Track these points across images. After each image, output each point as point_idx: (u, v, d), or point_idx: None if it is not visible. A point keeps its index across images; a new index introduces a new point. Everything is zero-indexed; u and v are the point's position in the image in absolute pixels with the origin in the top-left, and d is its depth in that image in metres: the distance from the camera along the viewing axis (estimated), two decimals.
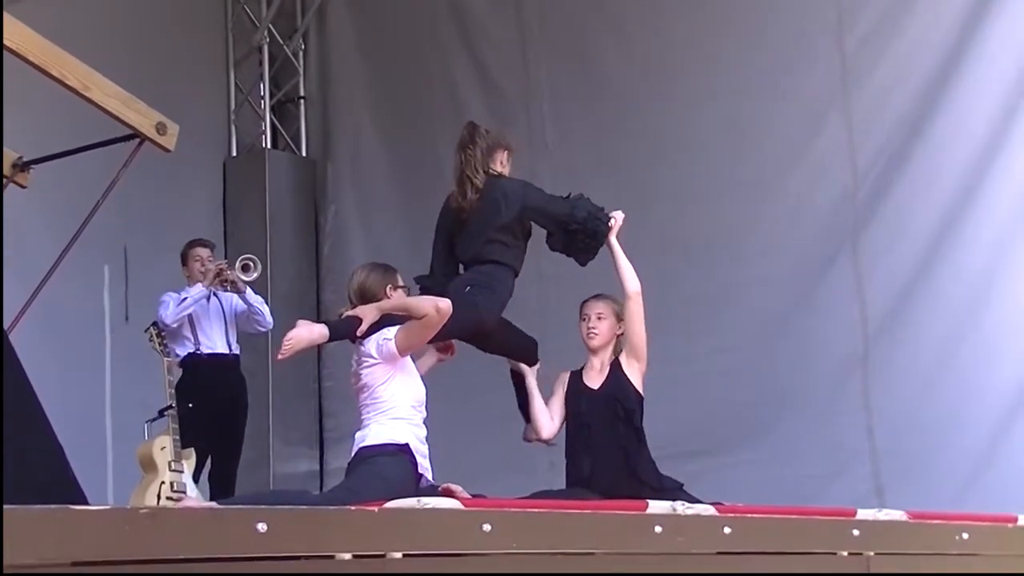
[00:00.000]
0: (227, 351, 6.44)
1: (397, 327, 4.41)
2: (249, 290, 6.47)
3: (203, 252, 6.53)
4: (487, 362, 5.27)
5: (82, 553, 2.49)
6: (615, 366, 4.97)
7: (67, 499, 3.95)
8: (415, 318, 4.36)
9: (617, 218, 5.10)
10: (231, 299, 6.51)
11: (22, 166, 6.07)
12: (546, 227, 5.11)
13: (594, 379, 4.97)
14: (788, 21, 7.37)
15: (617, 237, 5.10)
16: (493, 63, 8.46)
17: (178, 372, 6.33)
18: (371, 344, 4.41)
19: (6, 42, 4.59)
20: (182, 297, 6.31)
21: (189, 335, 6.32)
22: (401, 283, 4.62)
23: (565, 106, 8.12)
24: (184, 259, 6.56)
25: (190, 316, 6.34)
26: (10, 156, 6.07)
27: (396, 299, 4.50)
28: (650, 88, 7.78)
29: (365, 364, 4.43)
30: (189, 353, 6.32)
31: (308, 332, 4.39)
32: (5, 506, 2.39)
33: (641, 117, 7.78)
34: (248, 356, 7.91)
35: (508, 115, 8.33)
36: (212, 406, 6.28)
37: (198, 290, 6.34)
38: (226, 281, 6.39)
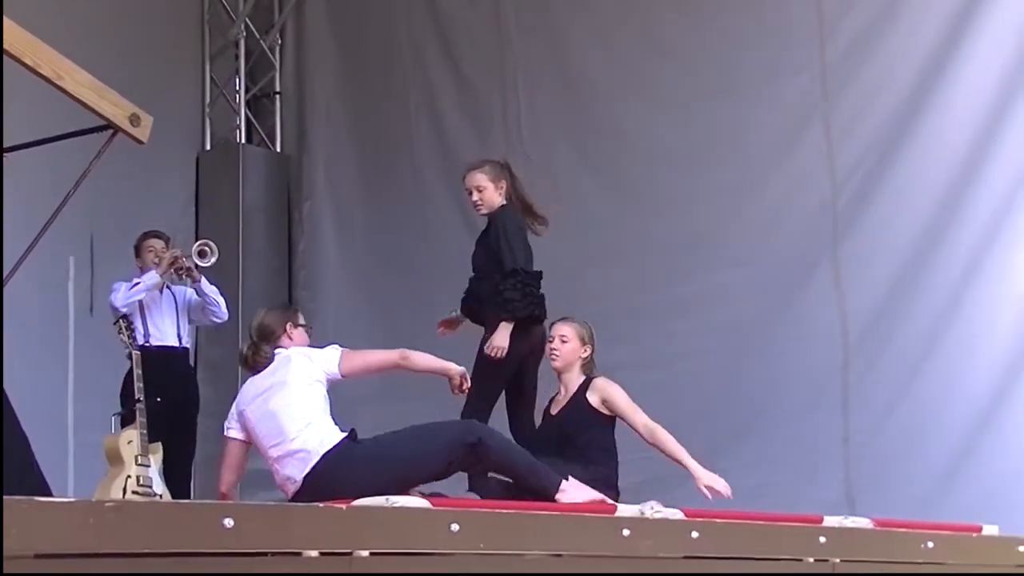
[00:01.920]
0: (177, 344, 6.35)
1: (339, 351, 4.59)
2: (204, 280, 6.38)
3: (157, 244, 6.41)
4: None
5: (46, 545, 2.47)
6: (579, 392, 5.18)
7: (32, 491, 3.91)
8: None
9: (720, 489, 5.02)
10: (184, 291, 6.43)
11: None
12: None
13: (557, 404, 5.25)
14: (771, 28, 7.38)
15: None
16: (469, 62, 8.45)
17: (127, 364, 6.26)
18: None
19: None
20: (134, 282, 6.22)
21: (139, 326, 6.23)
22: (302, 322, 4.82)
23: (542, 107, 8.12)
24: (137, 250, 6.46)
25: (141, 307, 6.24)
26: None
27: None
28: (629, 91, 7.78)
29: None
30: (139, 344, 6.22)
31: None
32: None
33: (619, 119, 7.79)
34: (216, 350, 7.81)
35: (483, 114, 8.34)
36: (161, 399, 6.19)
37: (151, 276, 6.23)
38: (181, 269, 6.28)
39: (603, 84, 7.88)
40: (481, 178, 5.50)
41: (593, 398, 5.14)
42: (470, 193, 5.53)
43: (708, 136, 7.48)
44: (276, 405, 4.41)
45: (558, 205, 7.82)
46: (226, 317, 6.52)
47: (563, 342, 5.24)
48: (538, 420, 5.38)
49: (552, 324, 5.34)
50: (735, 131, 7.42)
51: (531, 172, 8.04)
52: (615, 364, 7.52)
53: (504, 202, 5.50)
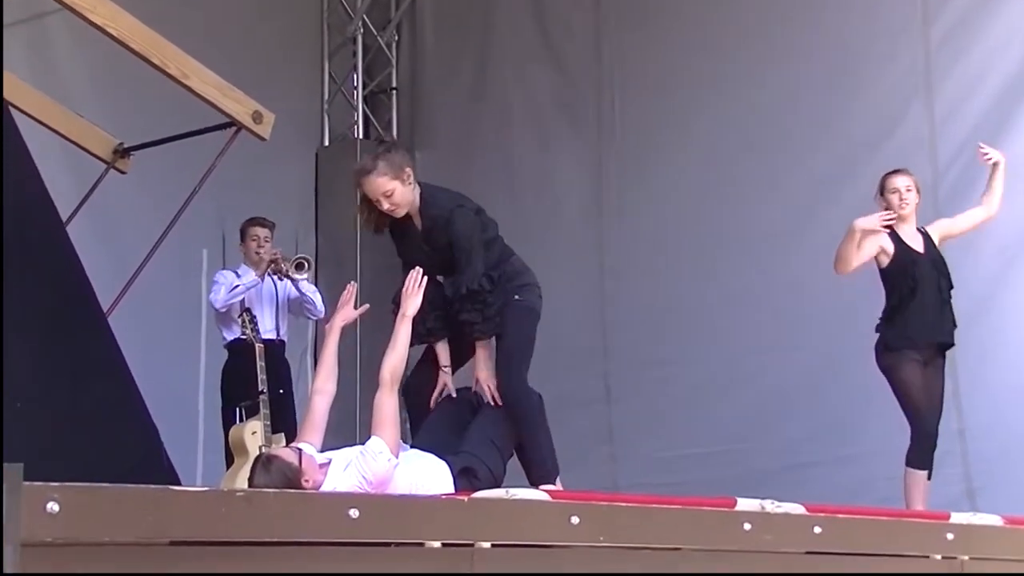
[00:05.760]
0: (275, 337, 6.46)
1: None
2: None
3: (261, 232, 6.51)
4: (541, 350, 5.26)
5: (179, 532, 2.53)
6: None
7: (161, 480, 4.01)
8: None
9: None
10: (286, 284, 6.54)
11: (122, 152, 6.21)
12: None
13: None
14: (872, 12, 7.25)
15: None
16: (569, 54, 8.47)
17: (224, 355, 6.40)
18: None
19: (111, 30, 4.68)
20: (233, 284, 6.34)
21: (238, 319, 6.34)
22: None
23: (636, 98, 8.08)
24: (243, 235, 6.59)
25: (242, 298, 6.39)
26: (111, 142, 6.21)
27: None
28: (724, 80, 7.70)
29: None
30: (236, 337, 6.34)
31: None
32: (107, 485, 2.44)
33: (713, 109, 7.72)
34: (292, 341, 7.94)
35: (578, 105, 8.34)
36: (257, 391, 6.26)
37: (251, 278, 6.36)
38: (278, 271, 6.43)
39: (698, 74, 7.81)
40: (383, 181, 4.54)
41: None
42: (378, 203, 4.55)
43: (805, 122, 7.37)
44: None
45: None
46: (322, 314, 6.56)
47: (908, 191, 5.67)
48: None
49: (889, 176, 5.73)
50: (833, 117, 7.30)
51: (623, 162, 8.05)
52: (702, 352, 7.51)
53: (418, 190, 4.67)
